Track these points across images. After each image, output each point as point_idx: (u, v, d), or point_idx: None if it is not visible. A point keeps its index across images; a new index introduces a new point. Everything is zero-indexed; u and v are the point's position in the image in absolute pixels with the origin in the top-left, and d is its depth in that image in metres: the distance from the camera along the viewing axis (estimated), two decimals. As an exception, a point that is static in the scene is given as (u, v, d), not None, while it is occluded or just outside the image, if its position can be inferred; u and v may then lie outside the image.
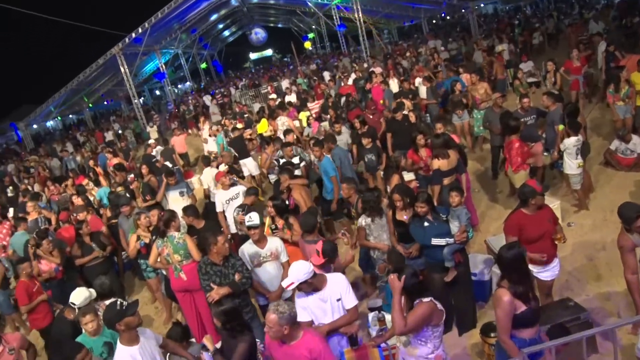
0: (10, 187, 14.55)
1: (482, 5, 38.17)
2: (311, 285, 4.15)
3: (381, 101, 12.46)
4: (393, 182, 6.52)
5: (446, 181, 6.91)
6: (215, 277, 5.16)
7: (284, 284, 4.18)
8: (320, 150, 8.08)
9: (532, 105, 8.48)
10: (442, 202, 6.56)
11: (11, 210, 11.00)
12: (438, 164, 6.91)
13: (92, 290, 5.60)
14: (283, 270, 5.42)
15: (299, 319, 4.07)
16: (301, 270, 4.08)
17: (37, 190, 13.27)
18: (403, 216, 5.67)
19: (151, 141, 14.86)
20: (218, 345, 5.41)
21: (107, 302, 5.38)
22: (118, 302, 3.99)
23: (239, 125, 13.14)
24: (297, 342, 3.72)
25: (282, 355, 3.80)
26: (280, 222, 6.09)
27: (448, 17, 44.01)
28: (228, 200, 7.57)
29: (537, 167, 7.73)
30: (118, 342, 4.04)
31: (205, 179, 9.84)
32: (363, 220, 5.93)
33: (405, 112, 9.84)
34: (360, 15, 24.90)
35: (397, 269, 3.97)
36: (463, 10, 32.75)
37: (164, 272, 6.45)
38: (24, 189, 13.48)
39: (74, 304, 5.36)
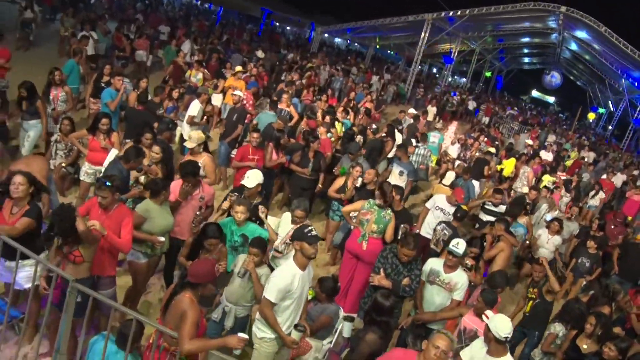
0: (285, 73, 16.58)
1: None
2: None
3: (629, 217, 11.22)
4: (599, 309, 5.91)
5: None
6: (388, 266, 5.31)
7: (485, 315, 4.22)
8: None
9: None
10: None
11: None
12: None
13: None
14: (450, 304, 5.22)
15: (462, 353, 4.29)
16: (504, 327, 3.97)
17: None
18: (584, 344, 5.22)
19: (405, 111, 15.32)
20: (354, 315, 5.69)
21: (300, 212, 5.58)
22: (308, 228, 4.14)
23: (489, 149, 12.87)
24: None
25: None
26: (471, 261, 5.97)
27: None
28: (439, 208, 7.47)
29: None
30: (291, 257, 4.20)
31: None
32: (560, 331, 5.57)
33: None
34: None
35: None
36: None
37: (351, 226, 6.62)
38: (289, 79, 15.11)
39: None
